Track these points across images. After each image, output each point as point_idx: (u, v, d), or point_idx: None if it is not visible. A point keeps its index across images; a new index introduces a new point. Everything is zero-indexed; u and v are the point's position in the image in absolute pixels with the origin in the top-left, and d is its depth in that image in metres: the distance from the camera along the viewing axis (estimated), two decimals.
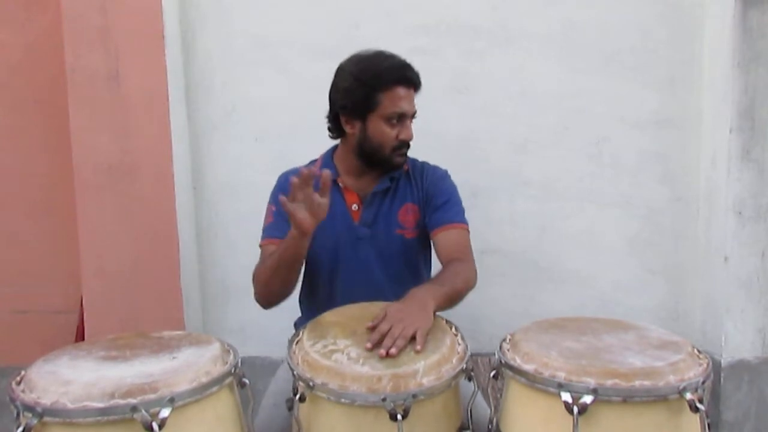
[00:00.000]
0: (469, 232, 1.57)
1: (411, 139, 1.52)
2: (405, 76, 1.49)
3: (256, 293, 1.51)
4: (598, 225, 2.16)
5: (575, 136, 2.13)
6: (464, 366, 1.10)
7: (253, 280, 1.51)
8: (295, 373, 1.08)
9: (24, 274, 2.30)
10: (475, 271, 1.51)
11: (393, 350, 1.10)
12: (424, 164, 1.65)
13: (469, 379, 1.12)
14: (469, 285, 1.46)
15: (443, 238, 1.54)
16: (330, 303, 1.44)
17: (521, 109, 2.12)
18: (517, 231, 2.16)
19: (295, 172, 1.61)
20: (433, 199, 1.58)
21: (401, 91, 1.48)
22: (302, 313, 1.67)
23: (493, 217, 2.11)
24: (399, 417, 0.98)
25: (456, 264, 1.47)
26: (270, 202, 1.60)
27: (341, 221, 1.57)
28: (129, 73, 2.00)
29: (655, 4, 2.08)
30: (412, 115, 1.52)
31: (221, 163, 2.17)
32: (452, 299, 1.38)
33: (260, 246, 1.56)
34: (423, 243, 1.62)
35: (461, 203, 1.60)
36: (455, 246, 1.52)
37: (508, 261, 2.15)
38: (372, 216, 1.57)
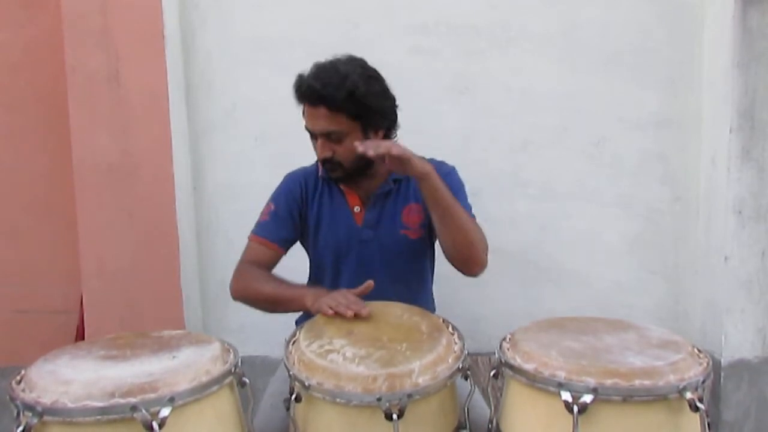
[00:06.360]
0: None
1: (321, 157, 1.47)
2: (302, 94, 1.44)
3: (233, 291, 1.52)
4: (598, 225, 2.16)
5: (575, 136, 2.13)
6: (460, 365, 1.10)
7: (237, 279, 1.52)
8: (291, 373, 1.08)
9: (24, 274, 2.29)
10: (486, 242, 1.45)
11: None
12: (431, 161, 1.59)
13: (466, 378, 1.12)
14: (477, 233, 1.42)
15: None
16: None
17: (521, 109, 2.12)
18: (517, 231, 2.16)
19: (301, 173, 1.62)
20: None
21: (306, 108, 1.46)
22: (303, 312, 1.66)
23: (493, 217, 2.10)
24: (394, 417, 0.98)
25: None
26: (270, 200, 1.60)
27: (343, 224, 1.56)
28: (129, 73, 2.00)
29: (655, 4, 2.08)
30: (326, 135, 1.44)
31: (221, 163, 2.17)
32: (451, 212, 1.37)
33: (248, 238, 1.57)
34: (427, 243, 1.60)
35: (467, 200, 1.55)
36: None
37: (508, 261, 2.14)
38: (375, 218, 1.55)
